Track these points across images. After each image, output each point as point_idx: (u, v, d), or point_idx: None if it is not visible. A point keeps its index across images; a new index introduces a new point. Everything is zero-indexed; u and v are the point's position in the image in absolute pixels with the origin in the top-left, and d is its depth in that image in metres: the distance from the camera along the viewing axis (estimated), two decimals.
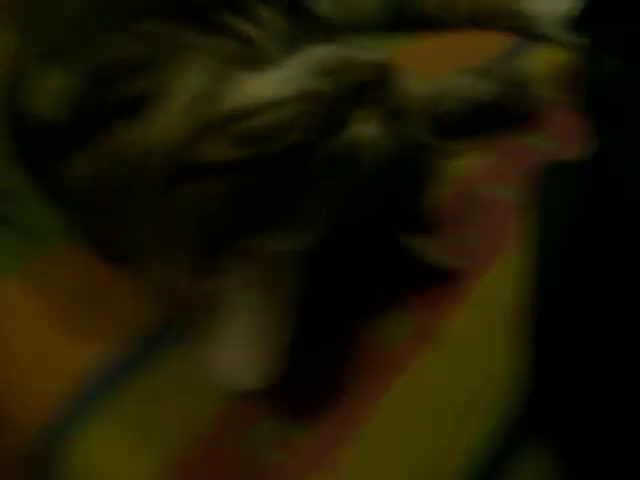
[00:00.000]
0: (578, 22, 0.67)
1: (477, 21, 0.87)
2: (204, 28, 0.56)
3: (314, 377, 0.50)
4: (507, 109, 0.71)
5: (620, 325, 0.48)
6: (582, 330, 0.50)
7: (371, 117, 0.49)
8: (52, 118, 0.53)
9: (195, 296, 0.45)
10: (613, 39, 0.60)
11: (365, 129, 0.48)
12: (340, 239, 0.49)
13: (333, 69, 0.49)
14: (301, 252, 0.47)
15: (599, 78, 0.58)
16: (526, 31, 0.86)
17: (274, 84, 0.49)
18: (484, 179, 0.67)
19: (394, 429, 0.49)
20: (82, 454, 0.47)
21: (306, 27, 0.60)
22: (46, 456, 0.48)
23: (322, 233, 0.47)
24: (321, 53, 0.51)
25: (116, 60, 0.53)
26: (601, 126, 0.56)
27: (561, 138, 0.72)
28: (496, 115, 0.71)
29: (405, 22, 0.86)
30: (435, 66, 0.78)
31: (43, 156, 0.55)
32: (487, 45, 0.85)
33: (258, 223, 0.46)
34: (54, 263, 0.57)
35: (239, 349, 0.44)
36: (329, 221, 0.47)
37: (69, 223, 0.56)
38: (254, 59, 0.55)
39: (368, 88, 0.49)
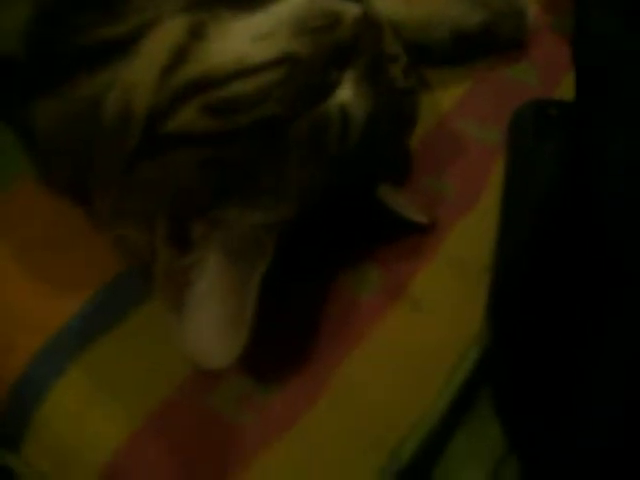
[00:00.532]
0: None
1: None
2: None
3: (280, 335, 0.50)
4: (498, 39, 0.68)
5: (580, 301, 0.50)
6: (539, 303, 0.51)
7: (350, 80, 0.47)
8: (13, 53, 0.49)
9: (169, 266, 0.45)
10: None
11: (344, 95, 0.46)
12: (317, 204, 0.48)
13: (312, 26, 0.46)
14: (277, 224, 0.46)
15: (586, 37, 0.55)
16: None
17: (251, 41, 0.46)
18: (462, 115, 0.65)
19: (361, 386, 0.50)
20: (54, 410, 0.48)
21: None
22: (21, 411, 0.49)
23: (299, 205, 0.46)
24: (300, 3, 0.47)
25: None
26: (585, 90, 0.54)
27: (543, 68, 0.70)
28: (485, 45, 0.68)
29: None
30: None
31: (8, 90, 0.51)
32: None
33: (232, 194, 0.45)
34: (17, 201, 0.55)
35: (212, 324, 0.44)
36: (307, 192, 0.46)
37: (34, 161, 0.53)
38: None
39: (347, 48, 0.47)
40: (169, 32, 0.46)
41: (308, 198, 0.47)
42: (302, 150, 0.45)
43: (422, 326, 0.53)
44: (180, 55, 0.45)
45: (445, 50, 0.66)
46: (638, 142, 0.49)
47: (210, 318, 0.44)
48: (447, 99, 0.66)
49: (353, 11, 0.47)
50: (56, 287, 0.52)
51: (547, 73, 0.69)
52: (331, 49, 0.46)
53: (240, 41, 0.46)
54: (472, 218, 0.59)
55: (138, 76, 0.45)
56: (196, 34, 0.46)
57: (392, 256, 0.56)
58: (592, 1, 0.57)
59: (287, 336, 0.51)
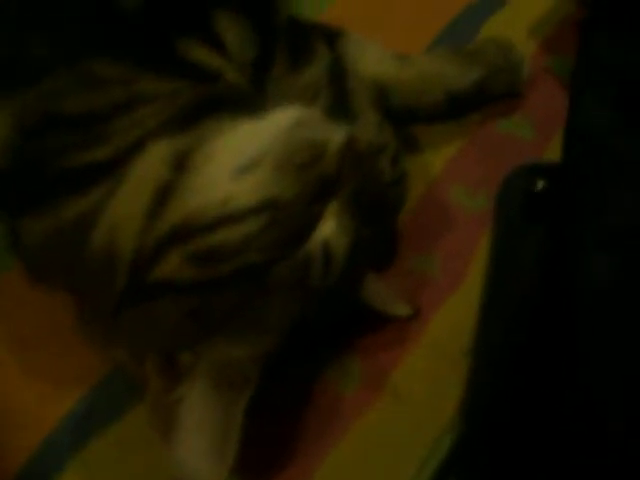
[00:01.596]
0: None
1: None
2: (161, 65, 0.50)
3: (265, 433, 0.52)
4: (492, 94, 0.67)
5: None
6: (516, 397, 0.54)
7: (332, 212, 0.46)
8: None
9: (159, 396, 0.46)
10: (607, 68, 0.55)
11: (326, 229, 0.46)
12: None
13: (295, 162, 0.45)
14: (261, 356, 0.47)
15: (582, 127, 0.54)
16: None
17: (233, 175, 0.45)
18: (452, 181, 0.65)
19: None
20: None
21: (272, 43, 0.54)
22: None
23: (283, 335, 0.48)
24: (283, 127, 0.47)
25: (66, 116, 0.48)
26: (574, 180, 0.54)
27: (538, 118, 0.69)
28: (479, 101, 0.67)
29: None
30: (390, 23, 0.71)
31: None
32: None
33: (216, 331, 0.46)
34: (7, 291, 0.57)
35: (200, 450, 0.46)
36: (290, 323, 0.47)
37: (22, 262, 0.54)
38: (217, 103, 0.50)
39: (331, 181, 0.46)
40: (152, 166, 0.46)
41: (292, 327, 0.48)
42: (284, 289, 0.46)
43: (400, 415, 0.56)
44: (163, 194, 0.45)
45: (438, 110, 0.65)
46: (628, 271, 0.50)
47: (198, 445, 0.46)
48: (437, 161, 0.66)
49: (337, 139, 0.46)
50: (50, 386, 0.54)
51: (542, 123, 0.68)
52: (314, 185, 0.46)
53: (222, 175, 0.45)
54: (455, 299, 0.60)
55: (122, 217, 0.45)
56: (178, 168, 0.46)
57: (375, 346, 0.57)
58: (586, 90, 0.56)
59: (271, 434, 0.53)
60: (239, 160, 0.46)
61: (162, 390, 0.46)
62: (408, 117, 0.65)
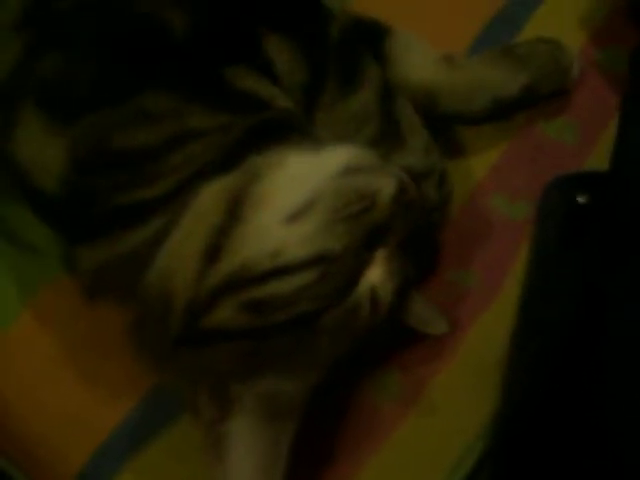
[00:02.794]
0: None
1: None
2: (211, 97, 0.49)
3: (304, 444, 0.52)
4: (540, 96, 0.66)
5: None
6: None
7: (380, 259, 0.47)
8: (52, 193, 0.50)
9: (210, 425, 0.49)
10: None
11: (374, 276, 0.47)
12: None
13: (347, 213, 0.46)
14: (308, 390, 0.50)
15: (633, 151, 0.53)
16: None
17: (285, 223, 0.46)
18: (494, 189, 0.65)
19: None
20: None
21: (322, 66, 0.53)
22: None
23: (329, 368, 0.50)
24: (334, 172, 0.47)
25: (116, 152, 0.48)
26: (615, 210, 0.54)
27: (584, 120, 0.68)
28: (525, 103, 0.66)
29: None
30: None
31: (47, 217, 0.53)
32: None
33: (267, 368, 0.48)
34: (63, 294, 0.58)
35: (248, 476, 0.49)
36: (336, 358, 0.49)
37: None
38: (267, 134, 0.50)
39: (381, 229, 0.47)
40: (205, 211, 0.47)
41: (337, 362, 0.50)
42: (332, 333, 0.47)
43: (434, 424, 0.59)
44: (217, 242, 0.46)
45: (484, 115, 0.64)
46: None
47: (245, 473, 0.49)
48: (480, 168, 0.65)
49: (389, 188, 0.46)
50: (107, 391, 0.57)
51: (587, 126, 0.67)
52: (364, 236, 0.46)
53: (273, 222, 0.46)
54: (492, 312, 0.61)
55: (177, 263, 0.46)
56: (231, 213, 0.46)
57: (412, 360, 0.59)
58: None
59: (312, 446, 0.55)
60: (290, 206, 0.46)
61: (213, 419, 0.49)
62: (454, 120, 0.64)
